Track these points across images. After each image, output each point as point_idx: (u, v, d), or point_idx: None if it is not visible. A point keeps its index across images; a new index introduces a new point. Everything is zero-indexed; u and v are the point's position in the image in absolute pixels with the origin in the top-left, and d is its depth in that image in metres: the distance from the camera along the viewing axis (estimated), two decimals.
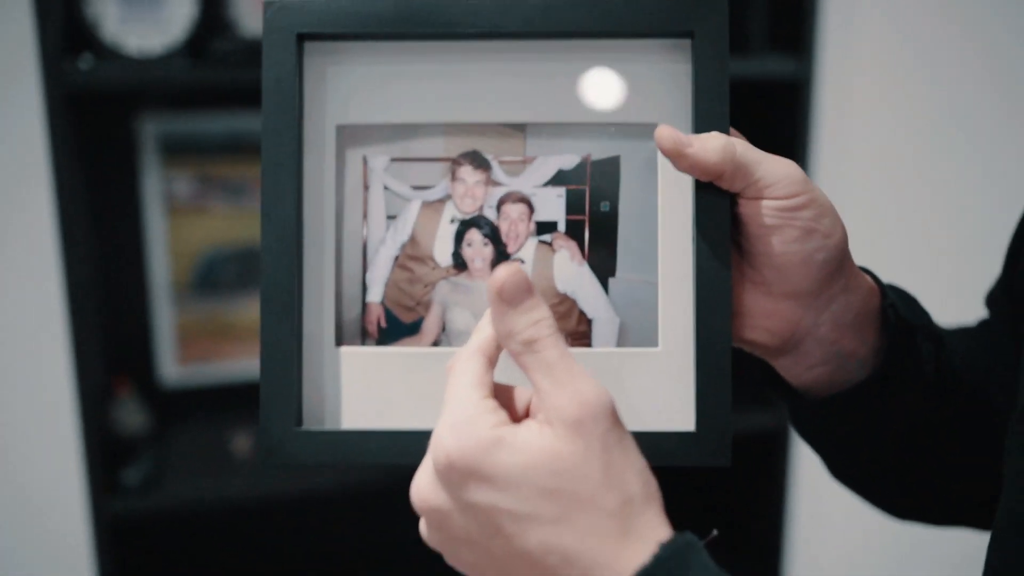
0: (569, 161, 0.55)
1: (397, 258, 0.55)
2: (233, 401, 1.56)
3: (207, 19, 1.33)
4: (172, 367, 1.56)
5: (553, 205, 0.55)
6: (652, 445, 0.49)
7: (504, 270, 0.45)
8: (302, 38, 0.54)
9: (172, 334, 1.56)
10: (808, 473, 1.65)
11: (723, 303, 0.53)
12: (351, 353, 0.55)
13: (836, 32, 1.56)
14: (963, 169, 1.68)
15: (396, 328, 0.55)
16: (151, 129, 1.50)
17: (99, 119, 1.42)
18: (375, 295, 0.55)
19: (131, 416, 1.41)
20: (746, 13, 1.46)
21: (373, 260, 0.55)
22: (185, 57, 1.31)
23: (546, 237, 0.55)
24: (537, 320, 0.45)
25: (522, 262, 0.55)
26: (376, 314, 0.55)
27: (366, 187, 0.55)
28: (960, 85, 1.66)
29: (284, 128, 0.53)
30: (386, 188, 0.55)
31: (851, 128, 1.63)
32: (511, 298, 0.45)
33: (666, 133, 0.51)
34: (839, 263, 0.55)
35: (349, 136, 0.55)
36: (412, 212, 0.55)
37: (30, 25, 1.16)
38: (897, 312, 0.58)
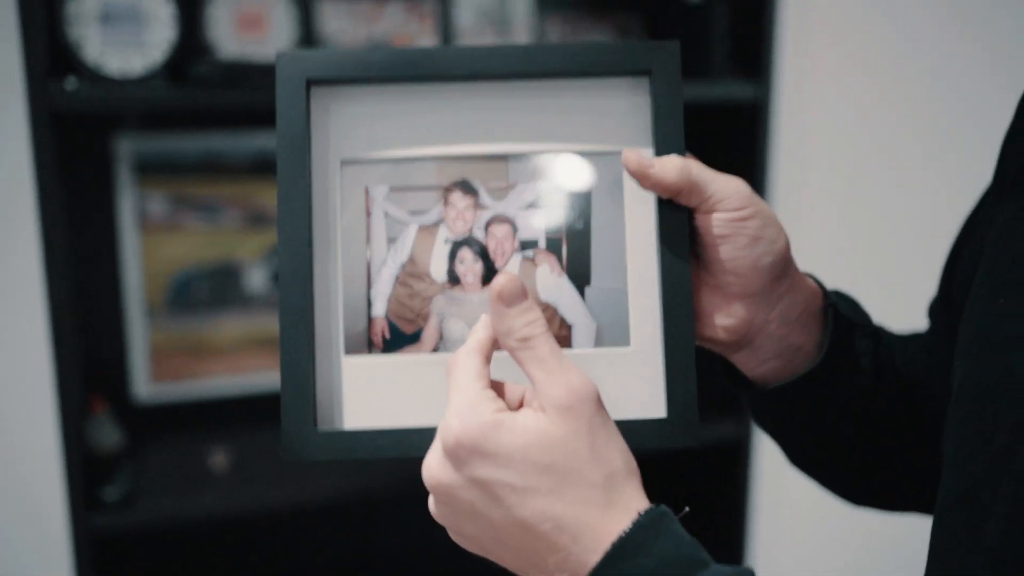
0: (544, 188, 0.62)
1: (398, 276, 0.61)
2: (209, 418, 1.57)
3: (186, 42, 1.36)
4: (146, 385, 1.57)
5: (535, 224, 0.62)
6: (631, 432, 0.55)
7: (503, 277, 0.52)
8: (310, 84, 0.61)
9: (146, 352, 1.57)
10: (768, 480, 1.71)
11: (686, 305, 0.60)
12: (359, 362, 0.61)
13: (792, 57, 1.63)
14: (918, 185, 1.76)
15: (399, 338, 0.61)
16: (127, 148, 1.52)
17: (80, 139, 1.44)
18: (379, 310, 0.61)
19: (107, 434, 1.43)
20: (707, 40, 1.52)
21: (376, 278, 0.61)
22: (164, 79, 1.34)
23: (529, 253, 0.62)
24: (531, 320, 0.52)
25: None
26: (380, 326, 0.61)
27: (368, 214, 0.61)
28: (913, 104, 1.73)
29: (296, 163, 0.60)
30: (386, 214, 0.62)
31: (807, 148, 1.70)
32: (509, 300, 0.52)
33: (632, 156, 0.60)
34: (784, 267, 0.63)
35: (352, 169, 0.62)
36: (410, 235, 0.62)
37: (16, 48, 1.18)
38: (837, 311, 0.66)
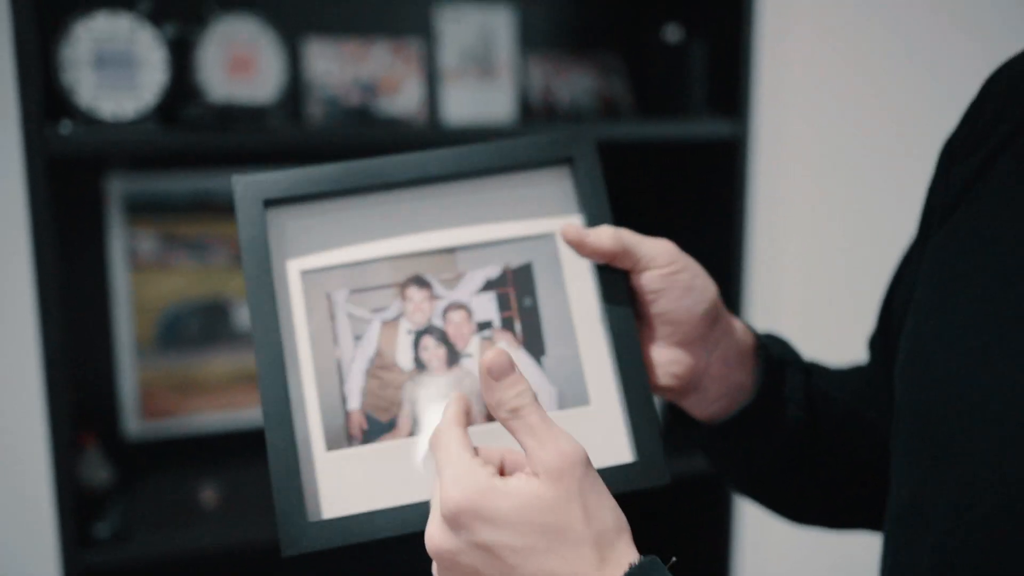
0: (493, 271, 0.68)
1: (368, 370, 0.65)
2: (199, 453, 1.59)
3: (177, 85, 1.39)
4: (136, 421, 1.59)
5: (487, 307, 0.67)
6: (605, 479, 0.58)
7: (491, 352, 0.56)
8: (267, 204, 0.66)
9: (136, 389, 1.59)
10: (752, 510, 1.73)
11: (636, 355, 0.66)
12: (341, 455, 0.64)
13: (770, 95, 1.67)
14: (894, 221, 1.80)
15: (376, 427, 0.65)
16: (119, 189, 1.54)
17: (73, 180, 1.46)
18: (354, 404, 0.65)
19: (98, 470, 1.44)
20: (686, 78, 1.56)
21: (348, 375, 0.65)
22: (156, 121, 1.37)
23: (487, 333, 0.67)
24: (520, 391, 0.55)
25: (469, 356, 0.67)
26: (357, 419, 0.65)
27: (333, 317, 0.66)
28: (888, 141, 1.78)
29: (260, 278, 0.64)
30: (350, 315, 0.66)
31: (785, 185, 1.74)
32: (498, 374, 0.56)
33: (570, 229, 0.67)
34: (716, 313, 0.69)
35: (313, 278, 0.66)
36: (374, 331, 0.66)
37: (12, 92, 1.21)
38: (767, 350, 0.72)
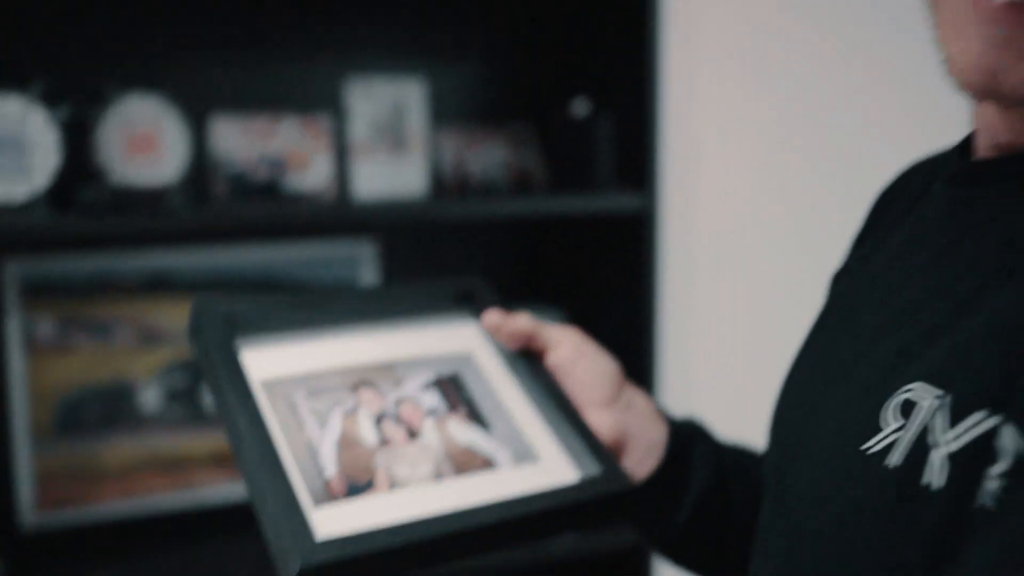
0: (427, 379, 0.77)
1: (339, 445, 0.70)
2: (101, 542, 1.53)
3: (74, 166, 1.35)
4: (33, 512, 1.53)
5: (432, 399, 0.76)
6: (580, 494, 0.69)
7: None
8: (227, 325, 0.74)
9: (32, 478, 1.53)
10: None
11: (568, 404, 0.76)
12: (328, 508, 0.66)
13: (677, 167, 1.69)
14: (807, 290, 1.81)
15: (356, 488, 0.67)
16: (14, 273, 1.49)
17: None
18: (332, 471, 0.68)
19: None
20: (594, 151, 1.57)
21: (320, 450, 0.69)
22: (49, 205, 1.33)
23: (437, 415, 0.75)
24: None
25: (425, 433, 0.73)
26: (337, 482, 0.67)
27: (296, 413, 0.71)
28: (799, 211, 1.80)
29: (229, 388, 0.70)
30: (311, 410, 0.71)
31: (695, 257, 1.75)
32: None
33: (492, 317, 0.80)
34: (621, 376, 0.79)
35: (273, 387, 0.72)
36: (336, 419, 0.71)
37: None
38: (671, 417, 0.81)
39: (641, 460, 0.76)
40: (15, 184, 1.31)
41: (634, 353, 1.61)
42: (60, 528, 1.53)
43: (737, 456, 0.82)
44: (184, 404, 1.61)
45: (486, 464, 0.72)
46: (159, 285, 1.59)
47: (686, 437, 0.79)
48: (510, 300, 1.80)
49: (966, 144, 0.62)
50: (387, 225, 1.73)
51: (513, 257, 1.84)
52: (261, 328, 0.76)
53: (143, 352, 1.58)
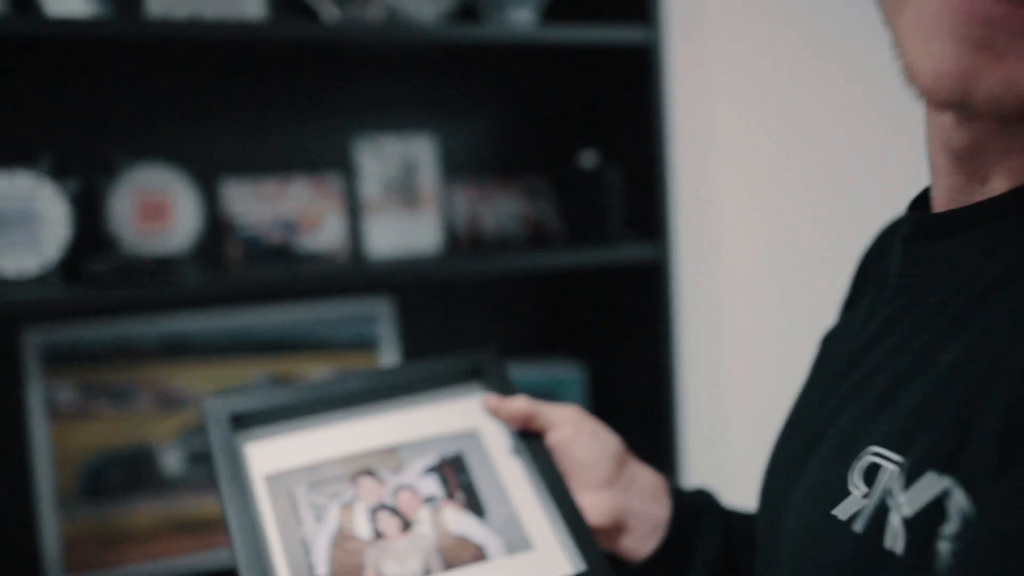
0: (432, 460, 0.78)
1: (331, 543, 0.72)
2: None
3: (85, 236, 1.38)
4: None
5: (431, 485, 0.76)
6: None
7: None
8: (234, 421, 0.77)
9: (59, 543, 1.54)
10: None
11: (566, 493, 0.75)
12: None
13: (691, 217, 1.67)
14: (821, 328, 1.78)
15: None
16: (33, 342, 1.52)
17: None
18: (322, 570, 0.70)
19: None
20: (604, 204, 1.56)
21: (312, 548, 0.71)
22: (61, 277, 1.35)
23: (433, 503, 0.75)
24: None
25: (420, 522, 0.74)
26: None
27: (295, 508, 0.73)
28: (808, 258, 1.77)
29: (232, 479, 0.73)
30: (310, 504, 0.74)
31: (713, 303, 1.72)
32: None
33: (491, 400, 0.80)
34: (622, 454, 0.78)
35: (275, 480, 0.75)
36: (334, 512, 0.73)
37: None
38: (677, 488, 0.80)
39: (643, 539, 0.76)
40: (27, 257, 1.33)
41: (654, 403, 1.58)
42: None
43: (748, 524, 0.80)
44: (206, 466, 1.62)
45: (478, 555, 0.72)
46: (177, 349, 1.60)
47: (692, 512, 0.78)
48: (529, 353, 1.79)
49: (923, 196, 0.60)
50: (402, 282, 1.73)
51: (530, 309, 1.83)
52: (266, 421, 0.78)
53: (163, 416, 1.60)
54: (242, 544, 0.69)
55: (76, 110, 1.54)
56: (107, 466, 1.58)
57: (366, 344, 1.71)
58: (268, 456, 0.76)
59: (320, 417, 0.79)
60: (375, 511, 0.74)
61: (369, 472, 0.76)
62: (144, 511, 1.60)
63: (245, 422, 0.78)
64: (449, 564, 0.71)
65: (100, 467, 1.58)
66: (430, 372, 0.83)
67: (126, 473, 1.59)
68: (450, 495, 0.76)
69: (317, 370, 1.68)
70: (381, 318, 1.72)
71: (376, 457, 0.77)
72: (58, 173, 1.37)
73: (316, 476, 0.75)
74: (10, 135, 1.50)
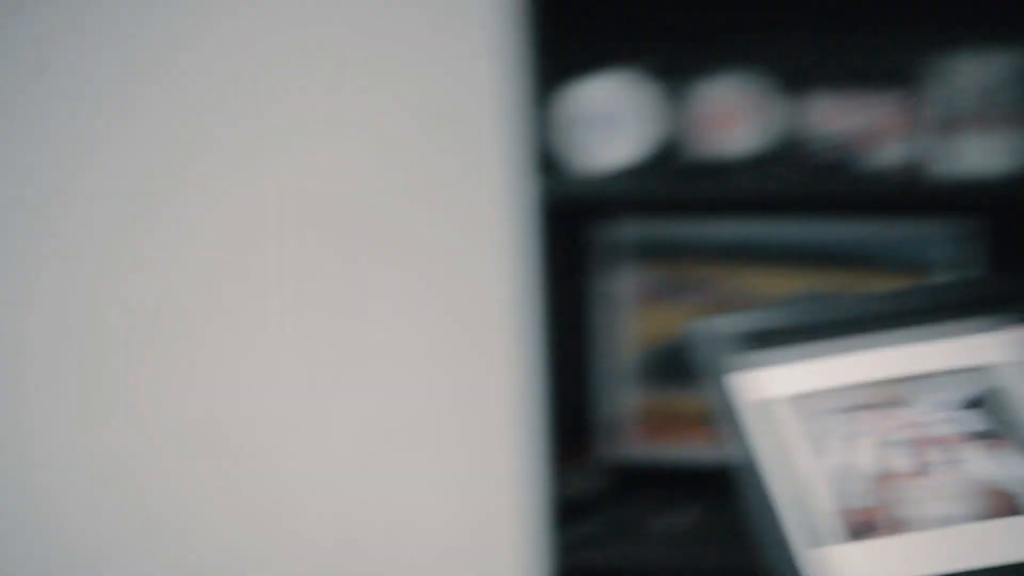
0: (948, 399, 0.66)
1: (834, 475, 0.65)
2: (676, 482, 1.73)
3: (668, 139, 1.55)
4: (627, 446, 1.76)
5: (952, 423, 0.66)
6: None
7: None
8: (728, 351, 0.70)
9: (629, 417, 1.76)
10: None
11: None
12: (826, 553, 0.63)
13: None
14: None
15: (855, 532, 0.62)
16: (616, 233, 1.74)
17: (564, 228, 1.67)
18: (826, 510, 0.63)
19: (585, 483, 1.64)
20: None
21: (812, 483, 0.64)
22: (636, 174, 1.54)
23: (957, 441, 0.65)
24: None
25: (943, 463, 0.64)
26: (832, 526, 0.63)
27: (785, 441, 0.66)
28: None
29: (721, 413, 0.68)
30: (805, 436, 0.66)
31: None
32: None
33: None
34: None
35: (762, 409, 0.67)
36: (832, 448, 0.65)
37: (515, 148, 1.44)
38: None
39: None
40: (615, 154, 1.54)
41: None
42: (643, 463, 1.76)
43: None
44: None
45: (1011, 506, 0.63)
46: (732, 252, 1.73)
47: None
48: None
49: None
50: (973, 204, 1.68)
51: None
52: (764, 345, 0.72)
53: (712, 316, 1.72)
54: (743, 477, 0.64)
55: (671, 22, 1.68)
56: (665, 354, 1.76)
57: (921, 268, 1.68)
58: (759, 382, 0.70)
59: (822, 342, 0.72)
60: (883, 447, 0.66)
61: (875, 405, 0.68)
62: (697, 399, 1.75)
63: (737, 345, 0.72)
64: (975, 514, 0.61)
65: (669, 353, 1.75)
66: (956, 294, 0.74)
67: (677, 366, 1.75)
68: (977, 436, 0.66)
69: (864, 289, 1.69)
70: (939, 242, 1.67)
71: (884, 389, 0.69)
72: (657, 75, 1.55)
73: (812, 406, 0.68)
74: (610, 42, 1.69)
